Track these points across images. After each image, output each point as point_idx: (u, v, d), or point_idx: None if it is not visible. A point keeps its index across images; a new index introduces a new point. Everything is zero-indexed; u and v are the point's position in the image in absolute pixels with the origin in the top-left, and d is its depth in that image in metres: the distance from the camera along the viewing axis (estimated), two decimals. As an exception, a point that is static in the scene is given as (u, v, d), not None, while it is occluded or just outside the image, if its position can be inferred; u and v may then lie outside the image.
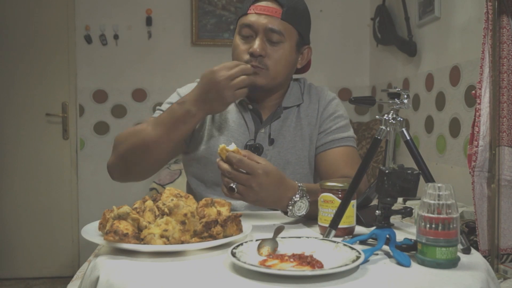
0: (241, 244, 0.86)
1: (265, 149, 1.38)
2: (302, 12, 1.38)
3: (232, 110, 1.42)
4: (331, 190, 1.03)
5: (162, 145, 1.25)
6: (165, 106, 1.42)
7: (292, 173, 1.39)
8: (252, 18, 1.33)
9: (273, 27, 1.31)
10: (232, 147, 1.05)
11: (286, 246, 0.88)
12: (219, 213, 0.97)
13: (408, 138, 0.94)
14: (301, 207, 1.12)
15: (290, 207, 1.11)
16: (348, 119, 1.46)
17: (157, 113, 1.40)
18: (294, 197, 1.11)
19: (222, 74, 1.18)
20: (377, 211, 0.91)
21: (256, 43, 1.31)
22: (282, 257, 0.81)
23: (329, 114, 1.42)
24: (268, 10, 1.32)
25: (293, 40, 1.36)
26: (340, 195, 1.02)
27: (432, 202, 0.82)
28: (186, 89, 1.45)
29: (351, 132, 1.43)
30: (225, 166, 1.04)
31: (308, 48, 1.43)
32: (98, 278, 0.79)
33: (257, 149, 1.38)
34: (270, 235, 0.97)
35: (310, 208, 1.13)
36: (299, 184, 1.14)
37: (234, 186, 1.04)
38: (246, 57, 1.32)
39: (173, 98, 1.44)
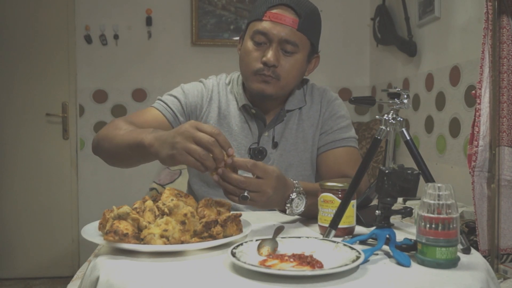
0: (241, 244, 0.86)
1: (269, 153, 1.38)
2: (316, 22, 1.36)
3: (235, 114, 1.41)
4: (331, 190, 1.03)
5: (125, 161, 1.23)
6: (166, 98, 1.41)
7: (295, 175, 1.39)
8: (267, 25, 1.29)
9: (289, 38, 1.29)
10: None
11: (286, 246, 0.88)
12: (219, 213, 0.97)
13: (408, 138, 0.94)
14: (298, 204, 1.12)
15: (288, 205, 1.11)
16: (350, 119, 1.45)
17: (157, 103, 1.39)
18: (291, 195, 1.11)
19: (189, 129, 0.97)
20: (377, 211, 0.91)
21: (270, 53, 1.29)
22: (282, 257, 0.81)
23: (331, 115, 1.42)
24: (285, 20, 1.29)
25: (306, 51, 1.34)
26: (340, 195, 1.02)
27: (432, 202, 0.82)
28: (190, 86, 1.45)
29: (352, 133, 1.42)
30: (238, 177, 0.99)
31: (316, 57, 1.42)
32: (98, 278, 0.79)
33: (260, 152, 1.36)
34: (270, 235, 0.97)
35: (309, 208, 1.13)
36: (296, 184, 1.13)
37: (246, 194, 1.00)
38: (259, 65, 1.31)
39: (176, 91, 1.43)
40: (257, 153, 1.37)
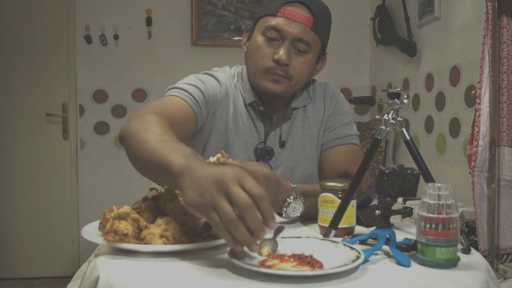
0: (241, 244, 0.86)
1: (276, 152, 1.35)
2: (328, 23, 1.32)
3: (242, 112, 1.35)
4: (331, 190, 1.03)
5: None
6: (187, 87, 1.26)
7: (301, 173, 1.37)
8: (281, 22, 1.24)
9: (303, 37, 1.24)
10: (213, 159, 1.01)
11: (286, 246, 0.88)
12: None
13: (408, 138, 0.94)
14: (295, 209, 1.11)
15: (284, 209, 1.11)
16: (351, 115, 1.43)
17: (170, 92, 1.25)
18: (288, 199, 1.10)
19: (228, 179, 0.75)
20: (377, 211, 0.91)
21: (283, 51, 1.24)
22: (282, 257, 0.81)
23: (334, 111, 1.40)
24: (300, 18, 1.24)
25: (317, 51, 1.31)
26: (340, 195, 1.02)
27: (432, 202, 0.82)
28: (205, 77, 1.33)
29: (354, 129, 1.41)
30: None
31: (324, 58, 1.38)
32: (98, 278, 0.79)
33: (268, 153, 1.33)
34: (270, 235, 0.97)
35: (308, 209, 1.13)
36: (293, 186, 1.13)
37: None
38: (270, 63, 1.25)
39: (194, 81, 1.29)
40: (264, 154, 1.33)
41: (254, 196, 0.74)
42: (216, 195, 0.74)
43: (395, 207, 0.93)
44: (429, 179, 0.93)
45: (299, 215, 1.13)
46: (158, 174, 0.89)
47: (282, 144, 1.36)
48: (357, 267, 0.79)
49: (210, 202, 0.74)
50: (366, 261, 0.83)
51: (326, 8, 1.31)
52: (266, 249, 0.85)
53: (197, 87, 1.26)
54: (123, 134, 1.05)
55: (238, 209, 0.73)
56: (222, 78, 1.36)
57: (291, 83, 1.28)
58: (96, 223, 0.97)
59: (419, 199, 0.87)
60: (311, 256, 0.80)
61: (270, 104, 1.35)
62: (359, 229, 1.07)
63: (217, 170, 0.77)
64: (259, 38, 1.28)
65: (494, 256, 1.78)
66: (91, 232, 0.94)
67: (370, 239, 0.93)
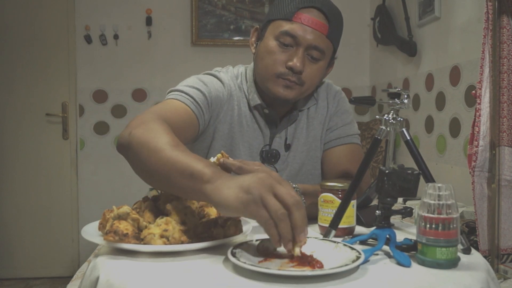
0: (241, 244, 0.86)
1: (282, 155, 1.33)
2: (341, 27, 1.29)
3: (247, 114, 1.33)
4: (331, 190, 1.03)
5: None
6: (188, 90, 1.23)
7: (306, 174, 1.37)
8: (297, 28, 1.20)
9: (318, 45, 1.22)
10: (213, 159, 1.01)
11: (286, 246, 0.88)
12: (219, 213, 0.97)
13: (408, 138, 0.94)
14: None
15: None
16: (352, 114, 1.43)
17: (171, 95, 1.22)
18: None
19: (270, 179, 0.79)
20: (377, 211, 0.91)
21: (298, 58, 1.21)
22: (281, 257, 0.81)
23: (336, 110, 1.39)
24: (317, 25, 1.21)
25: (329, 57, 1.29)
26: (340, 195, 1.02)
27: (432, 202, 0.82)
28: (208, 79, 1.30)
29: (355, 129, 1.40)
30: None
31: (333, 62, 1.36)
32: (98, 278, 0.79)
33: (274, 156, 1.32)
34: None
35: (308, 209, 1.12)
36: (294, 186, 1.12)
37: None
38: (282, 69, 1.22)
39: (196, 83, 1.26)
40: (270, 157, 1.31)
41: (290, 200, 0.77)
42: (264, 192, 0.76)
43: (395, 207, 0.93)
44: (429, 179, 0.93)
45: None
46: (178, 183, 0.88)
47: (288, 147, 1.35)
48: (357, 267, 0.79)
49: (260, 197, 0.76)
50: (366, 261, 0.83)
51: (339, 12, 1.28)
52: (298, 249, 0.80)
53: (199, 89, 1.23)
54: (125, 142, 1.00)
55: (284, 206, 0.76)
56: (225, 79, 1.32)
57: (302, 89, 1.26)
58: (96, 223, 0.97)
59: (419, 199, 0.87)
60: (311, 256, 0.80)
61: (275, 106, 1.33)
62: (359, 229, 1.07)
63: (257, 173, 0.81)
64: (272, 43, 1.24)
65: (495, 256, 1.78)
66: (91, 232, 0.94)
67: (370, 239, 0.93)
